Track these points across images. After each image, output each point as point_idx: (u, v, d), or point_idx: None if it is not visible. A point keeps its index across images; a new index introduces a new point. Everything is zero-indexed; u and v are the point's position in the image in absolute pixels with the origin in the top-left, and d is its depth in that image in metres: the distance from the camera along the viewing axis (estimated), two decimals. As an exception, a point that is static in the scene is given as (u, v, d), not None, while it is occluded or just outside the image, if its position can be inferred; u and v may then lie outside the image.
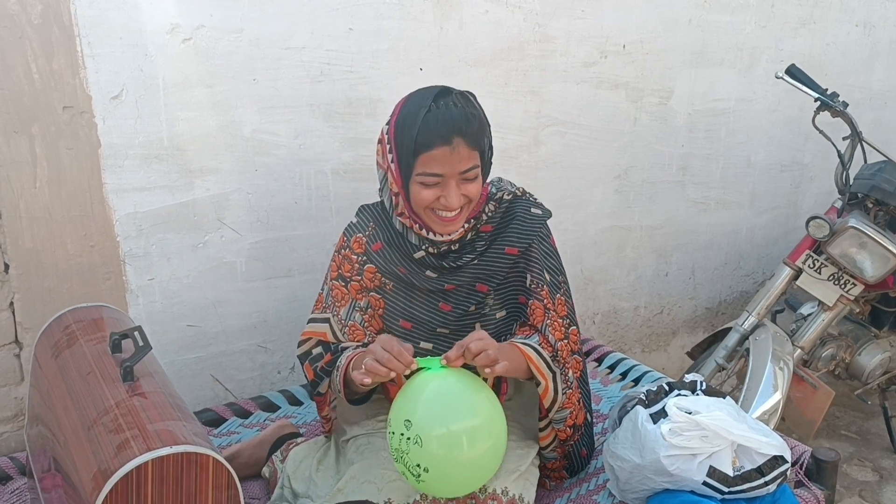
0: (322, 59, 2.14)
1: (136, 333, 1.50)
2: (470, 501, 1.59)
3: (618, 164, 2.83)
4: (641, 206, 2.95)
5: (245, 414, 2.14)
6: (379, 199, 1.79)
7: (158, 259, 2.05)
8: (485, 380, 1.57)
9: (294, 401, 2.22)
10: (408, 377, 1.50)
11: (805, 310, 2.78)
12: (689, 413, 1.61)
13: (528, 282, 1.73)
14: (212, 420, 2.08)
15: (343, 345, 1.73)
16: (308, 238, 2.25)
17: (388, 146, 1.65)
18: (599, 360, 2.40)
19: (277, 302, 2.26)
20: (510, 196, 1.76)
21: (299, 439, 1.95)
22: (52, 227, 1.90)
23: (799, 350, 2.51)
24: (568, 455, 1.83)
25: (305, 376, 1.78)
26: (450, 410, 1.45)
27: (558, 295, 1.75)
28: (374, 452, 1.69)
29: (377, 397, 1.80)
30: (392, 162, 1.64)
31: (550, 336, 1.71)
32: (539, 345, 1.69)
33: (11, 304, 1.91)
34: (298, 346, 1.80)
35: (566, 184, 2.70)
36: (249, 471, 1.91)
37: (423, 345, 1.74)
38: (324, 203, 2.25)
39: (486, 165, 1.67)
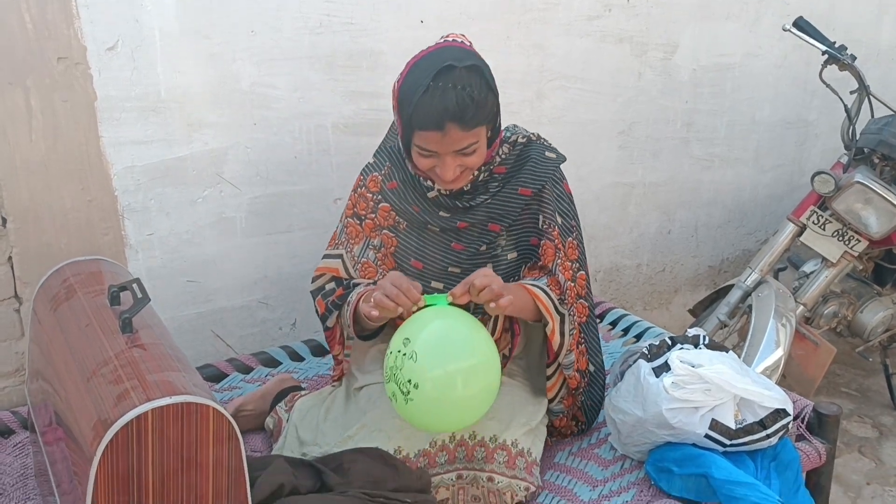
0: (322, 11, 2.10)
1: (134, 286, 1.49)
2: (479, 449, 1.62)
3: (622, 120, 2.79)
4: (645, 162, 2.92)
5: (246, 369, 2.14)
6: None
7: (157, 214, 2.04)
8: (490, 319, 1.62)
9: (295, 356, 2.21)
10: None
11: (808, 268, 2.76)
12: (692, 366, 1.60)
13: (540, 222, 1.74)
14: (213, 375, 2.09)
15: (355, 281, 1.75)
16: (308, 193, 2.23)
17: (394, 101, 1.65)
18: (601, 317, 2.39)
19: (278, 258, 2.25)
20: (525, 139, 1.75)
21: (303, 391, 1.95)
22: (49, 180, 1.88)
23: (801, 307, 2.50)
24: (574, 416, 1.84)
25: (317, 311, 1.79)
26: (449, 345, 1.47)
27: (570, 238, 1.76)
28: (387, 402, 1.68)
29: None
30: (398, 120, 1.66)
31: (560, 276, 1.72)
32: (547, 286, 1.70)
33: (10, 258, 1.90)
34: (312, 282, 1.81)
35: (569, 139, 2.66)
36: (252, 423, 1.92)
37: (433, 284, 1.75)
38: (324, 158, 2.23)
39: (493, 131, 1.65)
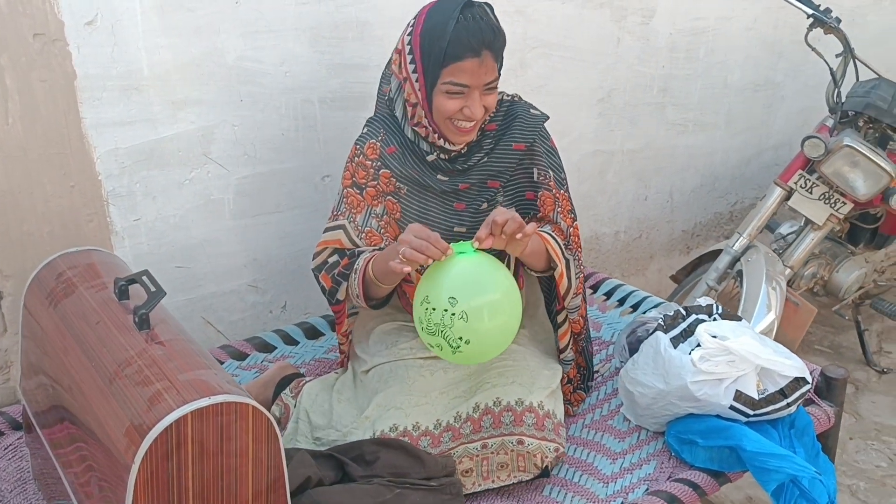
0: (307, -21, 2.00)
1: (144, 278, 1.41)
2: (507, 414, 1.62)
3: (601, 87, 2.77)
4: (623, 129, 2.90)
5: (241, 356, 2.07)
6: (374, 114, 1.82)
7: (143, 198, 1.93)
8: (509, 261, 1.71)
9: (289, 340, 2.15)
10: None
11: (784, 229, 2.80)
12: (716, 339, 1.60)
13: (535, 175, 1.78)
14: (208, 364, 2.01)
15: (359, 249, 1.73)
16: (296, 171, 2.15)
17: (408, 56, 1.66)
18: (595, 287, 2.38)
19: (267, 239, 2.17)
20: (510, 98, 1.82)
21: (308, 377, 1.91)
22: (28, 165, 1.77)
23: (789, 269, 2.53)
24: (582, 367, 1.88)
25: (322, 288, 1.76)
26: (488, 287, 1.52)
27: (562, 190, 1.80)
28: (398, 380, 1.71)
29: (396, 326, 1.83)
30: (414, 72, 1.66)
31: (562, 223, 1.78)
32: (553, 231, 1.75)
33: (-12, 250, 1.78)
34: (313, 259, 1.79)
35: (552, 109, 2.57)
36: (256, 413, 1.87)
37: None
38: (311, 134, 2.14)
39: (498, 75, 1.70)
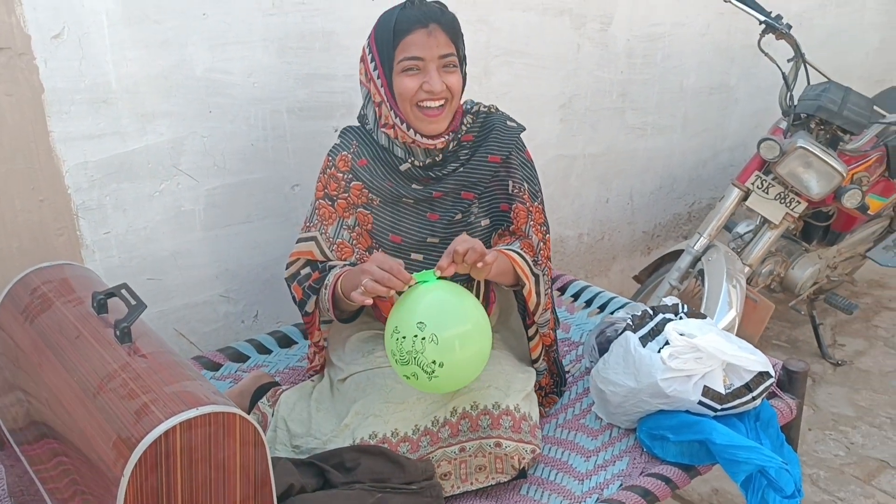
0: (274, -10, 2.02)
1: (123, 292, 1.41)
2: (484, 417, 1.65)
3: (563, 93, 2.83)
4: (584, 134, 2.96)
5: (215, 366, 2.07)
6: (355, 125, 1.85)
7: (113, 211, 1.93)
8: (475, 285, 1.74)
9: (262, 349, 2.16)
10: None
11: (741, 228, 2.88)
12: (684, 336, 1.65)
13: (510, 188, 1.80)
14: (182, 375, 2.01)
15: (330, 263, 1.75)
16: (266, 181, 2.16)
17: (369, 56, 1.72)
18: (563, 289, 2.43)
19: (238, 249, 2.17)
20: (486, 109, 1.84)
21: (284, 385, 1.91)
22: (-4, 181, 1.75)
23: (747, 268, 2.61)
24: (553, 373, 1.91)
25: (294, 297, 1.78)
26: (455, 313, 1.54)
27: (536, 203, 1.83)
28: (375, 388, 1.72)
29: (372, 334, 1.85)
30: (375, 69, 1.70)
31: (533, 237, 1.80)
32: (521, 249, 1.77)
33: (-43, 267, 1.76)
34: (286, 269, 1.80)
35: (516, 115, 2.59)
36: (233, 423, 1.87)
37: (413, 256, 1.78)
38: (280, 144, 2.16)
39: (462, 64, 1.73)
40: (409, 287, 1.53)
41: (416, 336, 1.47)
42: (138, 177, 1.94)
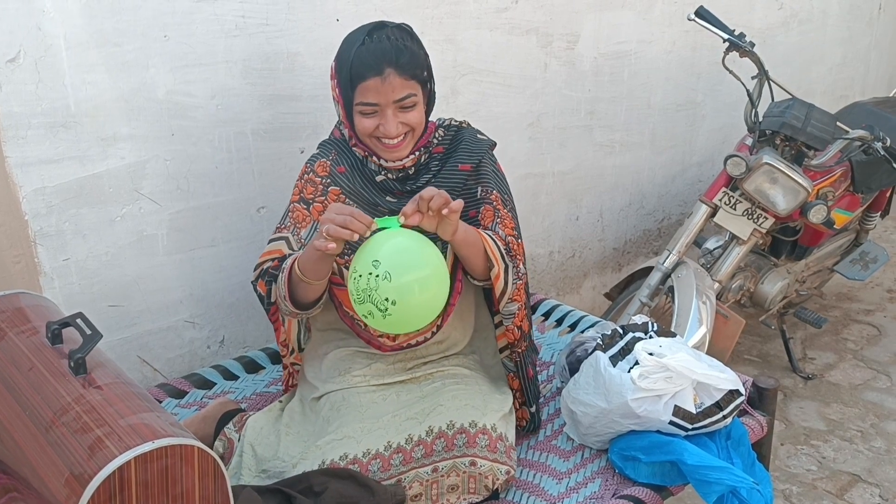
0: (236, 12, 2.00)
1: (78, 321, 1.38)
2: (460, 436, 1.63)
3: (530, 112, 2.83)
4: (553, 152, 2.96)
5: (180, 394, 2.03)
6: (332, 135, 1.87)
7: (73, 237, 1.89)
8: (438, 241, 1.66)
9: (228, 375, 2.12)
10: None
11: (710, 244, 2.89)
12: (654, 356, 1.64)
13: (478, 193, 1.80)
14: (146, 403, 1.96)
15: (289, 254, 1.72)
16: (231, 204, 2.13)
17: (332, 81, 1.73)
18: (534, 308, 2.42)
19: (203, 273, 2.14)
20: (458, 123, 1.86)
21: (250, 412, 1.88)
22: (-50, 208, 1.71)
23: (717, 284, 2.62)
24: (524, 384, 1.86)
25: (260, 296, 1.75)
26: (413, 253, 1.53)
27: (505, 210, 1.83)
28: (350, 407, 1.71)
29: (351, 352, 1.81)
30: (338, 95, 1.73)
31: (500, 231, 1.79)
32: (493, 236, 1.75)
33: None
34: (254, 272, 1.76)
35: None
36: (197, 451, 1.83)
37: None
38: (245, 166, 2.13)
39: (428, 95, 1.75)
40: (372, 232, 1.53)
41: (370, 274, 1.47)
42: (99, 202, 1.90)
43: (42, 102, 1.77)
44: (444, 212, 1.54)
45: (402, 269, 1.49)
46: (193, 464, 1.16)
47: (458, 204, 1.56)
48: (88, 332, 1.34)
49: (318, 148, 1.85)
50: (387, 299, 1.48)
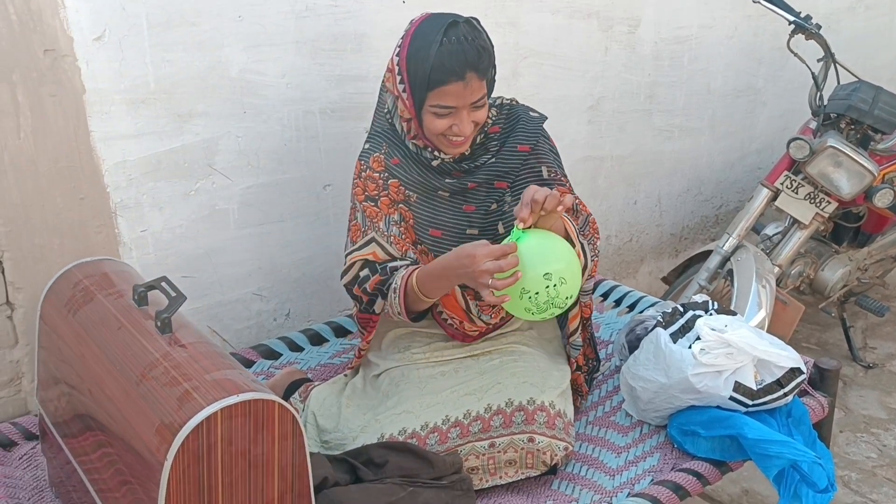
0: (307, -7, 2.06)
1: (163, 284, 1.45)
2: (519, 413, 1.66)
3: (590, 95, 2.84)
4: (612, 135, 2.97)
5: (248, 363, 2.10)
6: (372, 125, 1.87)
7: (150, 209, 1.97)
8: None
9: (294, 347, 2.19)
10: None
11: (770, 230, 2.87)
12: (715, 331, 1.66)
13: (544, 173, 1.80)
14: (217, 371, 2.04)
15: (391, 265, 1.73)
16: (298, 181, 2.20)
17: (398, 77, 1.70)
18: (592, 289, 2.43)
19: (270, 248, 2.21)
20: (509, 101, 1.86)
21: (315, 381, 1.94)
22: (39, 179, 1.80)
23: (777, 268, 2.60)
24: (590, 358, 1.91)
25: (359, 300, 1.76)
26: (557, 247, 1.58)
27: (568, 186, 1.84)
28: (408, 383, 1.75)
29: (409, 331, 1.86)
30: (404, 92, 1.70)
31: (581, 212, 1.81)
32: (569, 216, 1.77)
33: (0, 263, 1.81)
34: (342, 276, 1.79)
35: None
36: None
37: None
38: (313, 144, 2.19)
39: (491, 89, 1.74)
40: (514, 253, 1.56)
41: (546, 287, 1.52)
42: (175, 176, 1.98)
43: (124, 80, 1.85)
44: (560, 209, 1.55)
45: (566, 267, 1.55)
46: (274, 419, 1.22)
47: (570, 199, 1.57)
48: (173, 294, 1.41)
49: (366, 142, 1.84)
50: (567, 297, 1.56)
